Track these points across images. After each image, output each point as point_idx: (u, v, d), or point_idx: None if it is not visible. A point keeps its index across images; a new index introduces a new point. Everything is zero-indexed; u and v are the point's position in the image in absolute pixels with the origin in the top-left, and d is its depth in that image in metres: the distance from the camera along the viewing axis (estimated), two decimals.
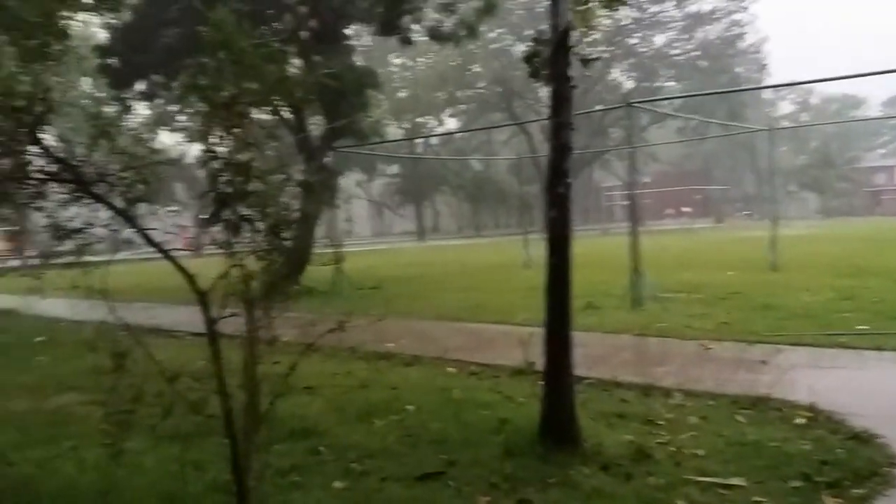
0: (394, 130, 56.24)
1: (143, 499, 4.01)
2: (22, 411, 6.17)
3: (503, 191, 60.19)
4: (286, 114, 16.30)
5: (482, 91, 59.35)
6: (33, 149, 3.06)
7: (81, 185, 2.83)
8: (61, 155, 2.85)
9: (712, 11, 56.27)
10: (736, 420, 5.23)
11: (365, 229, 71.56)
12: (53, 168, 2.86)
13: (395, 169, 65.41)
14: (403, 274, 19.81)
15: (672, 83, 59.21)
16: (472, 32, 16.38)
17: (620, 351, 7.90)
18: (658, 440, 4.83)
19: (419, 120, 61.83)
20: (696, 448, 4.66)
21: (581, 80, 4.85)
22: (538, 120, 53.53)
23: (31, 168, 3.10)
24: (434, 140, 65.19)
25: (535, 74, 5.33)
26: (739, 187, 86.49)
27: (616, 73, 58.61)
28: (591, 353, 7.38)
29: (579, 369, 4.89)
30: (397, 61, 59.13)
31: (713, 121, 41.67)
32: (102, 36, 17.15)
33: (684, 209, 68.00)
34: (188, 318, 10.78)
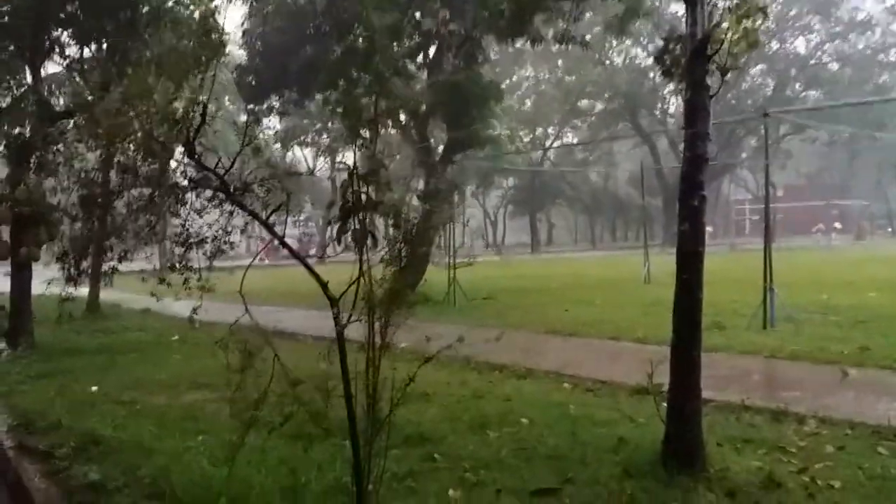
0: (514, 143, 56.43)
1: (265, 494, 4.21)
2: (159, 405, 6.63)
3: (622, 203, 58.97)
4: (409, 125, 16.74)
5: (606, 103, 58.40)
6: (180, 159, 3.31)
7: (228, 193, 3.04)
8: (212, 168, 3.07)
9: (868, 19, 52.93)
10: (877, 452, 4.90)
11: (478, 240, 71.94)
12: (201, 177, 3.08)
13: (511, 181, 65.47)
14: (517, 286, 19.78)
15: (812, 92, 56.16)
16: (622, 31, 15.90)
17: (750, 373, 7.55)
18: (790, 469, 4.60)
19: (539, 131, 61.69)
20: (831, 479, 4.40)
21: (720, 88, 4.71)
22: (664, 130, 52.05)
23: (178, 177, 3.36)
24: (553, 153, 64.80)
25: (667, 73, 5.21)
26: (884, 202, 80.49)
27: (752, 80, 56.18)
28: (717, 375, 7.10)
29: (705, 391, 4.73)
30: (522, 72, 59.18)
31: (860, 130, 39.15)
32: (240, 54, 18.22)
33: (835, 225, 64.09)
34: (311, 322, 11.28)
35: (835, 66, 54.25)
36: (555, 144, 62.00)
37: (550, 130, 63.44)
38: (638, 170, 32.53)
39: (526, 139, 59.53)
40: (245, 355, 3.55)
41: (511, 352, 8.90)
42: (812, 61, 54.84)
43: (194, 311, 3.94)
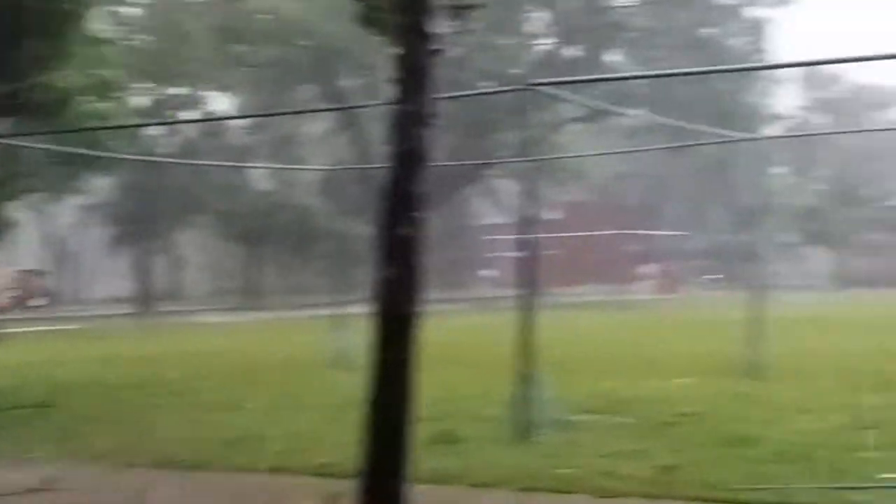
0: (120, 108, 53.97)
1: None
2: None
3: (309, 226, 59.50)
4: None
5: (283, 50, 58.50)
6: None
7: None
8: None
9: None
10: None
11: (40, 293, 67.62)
12: None
13: (107, 183, 61.51)
14: (105, 378, 18.87)
15: (616, 57, 61.40)
16: None
17: None
18: None
19: (172, 91, 59.01)
20: None
21: (456, 43, 4.91)
22: (369, 105, 53.49)
23: None
24: (192, 129, 63.00)
25: (369, 22, 5.35)
26: (706, 233, 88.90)
27: (525, 37, 60.16)
28: None
29: None
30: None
31: (667, 120, 42.64)
32: None
33: (644, 270, 70.18)
34: None
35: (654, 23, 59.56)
36: (189, 116, 59.74)
37: (183, 91, 60.80)
38: (336, 170, 33.15)
39: (144, 103, 56.73)
40: None
41: None
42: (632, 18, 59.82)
43: None
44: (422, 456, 7.10)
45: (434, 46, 4.84)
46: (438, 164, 5.00)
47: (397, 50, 4.80)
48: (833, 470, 9.12)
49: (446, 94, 5.31)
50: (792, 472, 9.08)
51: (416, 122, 4.76)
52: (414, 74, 4.79)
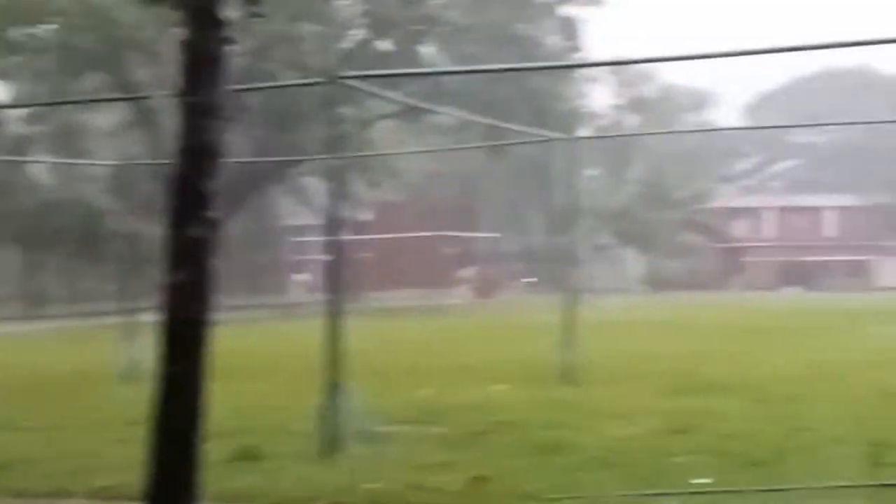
0: None
1: None
2: None
3: (95, 226, 58.14)
4: None
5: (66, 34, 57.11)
6: None
7: None
8: None
9: None
10: None
11: None
12: None
13: None
14: None
15: (428, 48, 61.71)
16: None
17: None
18: None
19: None
20: None
21: (257, 32, 4.81)
22: (158, 96, 52.47)
23: None
24: None
25: (154, 1, 5.21)
26: (523, 234, 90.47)
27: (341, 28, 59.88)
28: None
29: None
30: None
31: (480, 118, 43.25)
32: None
33: (463, 273, 70.49)
34: None
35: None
36: None
37: None
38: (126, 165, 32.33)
39: None
40: None
41: None
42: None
43: None
44: (221, 474, 6.98)
45: (226, 33, 4.74)
46: (238, 160, 4.87)
47: (186, 36, 4.69)
48: (647, 476, 9.40)
49: (244, 86, 5.19)
50: (606, 479, 9.32)
51: (207, 114, 4.66)
52: (204, 63, 4.68)
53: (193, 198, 4.64)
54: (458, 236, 77.43)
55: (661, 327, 31.89)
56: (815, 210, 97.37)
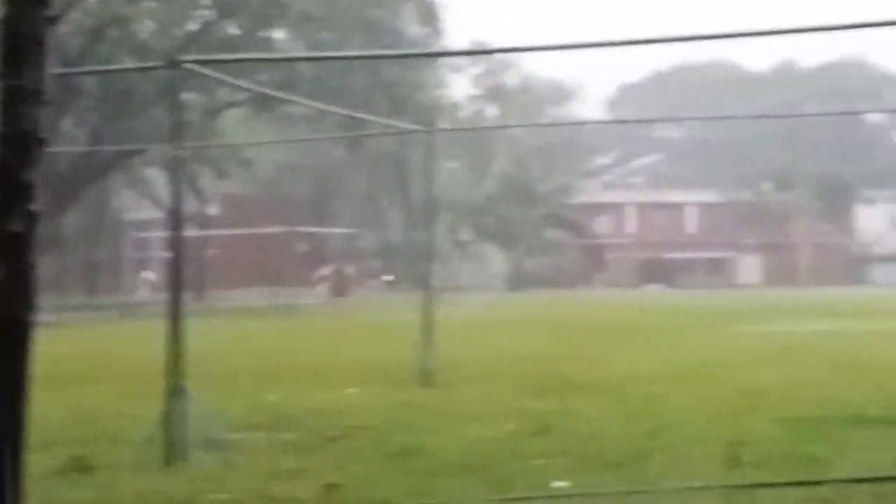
0: None
1: None
2: None
3: None
4: None
5: None
6: None
7: None
8: None
9: None
10: None
11: None
12: None
13: None
14: None
15: (278, 33, 60.81)
16: None
17: None
18: None
19: None
20: None
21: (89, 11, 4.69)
22: None
23: None
24: None
25: None
26: (381, 230, 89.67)
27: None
28: None
29: None
30: None
31: (334, 109, 42.79)
32: None
33: (321, 273, 69.13)
34: None
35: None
36: None
37: None
38: None
39: None
40: None
41: None
42: None
43: None
44: (47, 487, 6.85)
45: (51, 11, 4.55)
46: (72, 148, 4.74)
47: (5, 14, 4.50)
48: (504, 480, 9.42)
49: (77, 69, 5.05)
50: (462, 483, 9.33)
51: (28, 99, 4.43)
52: (25, 44, 4.49)
53: (14, 190, 4.36)
54: (312, 232, 76.38)
55: (522, 326, 32.12)
56: (676, 206, 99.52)
